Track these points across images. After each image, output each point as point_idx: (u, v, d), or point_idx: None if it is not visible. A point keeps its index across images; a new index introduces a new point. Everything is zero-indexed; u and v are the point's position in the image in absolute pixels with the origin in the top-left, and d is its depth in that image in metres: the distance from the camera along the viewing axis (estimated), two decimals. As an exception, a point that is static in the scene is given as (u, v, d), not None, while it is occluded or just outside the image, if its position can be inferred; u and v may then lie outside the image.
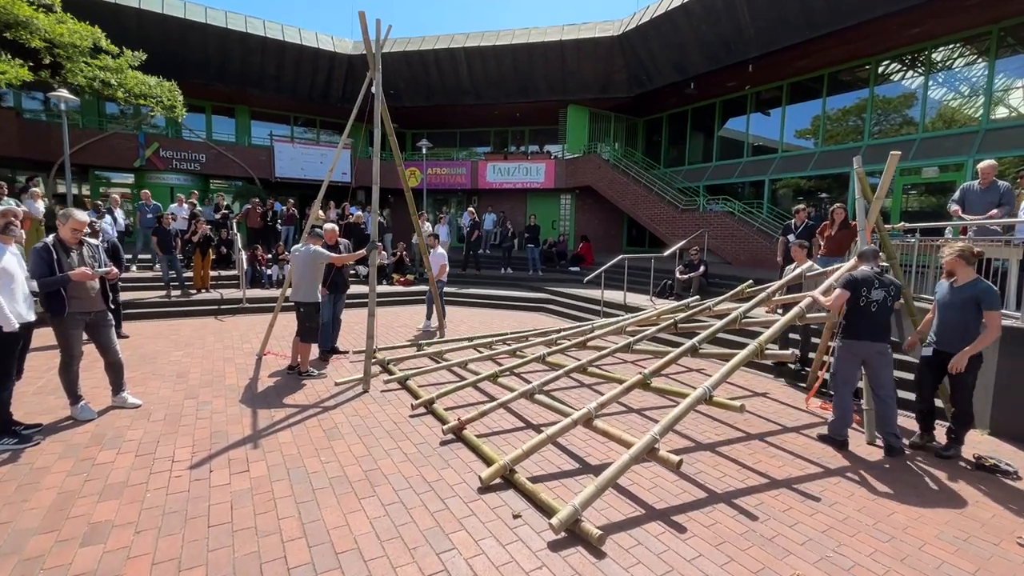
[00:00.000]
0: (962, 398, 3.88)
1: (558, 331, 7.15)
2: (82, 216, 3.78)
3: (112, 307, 4.28)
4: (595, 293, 10.07)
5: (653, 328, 5.57)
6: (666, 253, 10.59)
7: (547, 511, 2.91)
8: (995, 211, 5.31)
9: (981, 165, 5.59)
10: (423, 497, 3.11)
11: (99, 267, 3.97)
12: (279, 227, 13.32)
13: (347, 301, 10.00)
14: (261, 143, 18.73)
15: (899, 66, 12.13)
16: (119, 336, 6.82)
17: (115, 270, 4.05)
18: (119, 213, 10.37)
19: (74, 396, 4.07)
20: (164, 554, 2.49)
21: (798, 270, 5.73)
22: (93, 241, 4.11)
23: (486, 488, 3.22)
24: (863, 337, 3.99)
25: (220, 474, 3.32)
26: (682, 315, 5.84)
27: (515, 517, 2.91)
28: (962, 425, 3.94)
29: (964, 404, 3.89)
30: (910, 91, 11.95)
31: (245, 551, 2.54)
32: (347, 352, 6.63)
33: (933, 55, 11.42)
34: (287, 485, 3.21)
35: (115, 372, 4.32)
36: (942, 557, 2.69)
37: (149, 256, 10.73)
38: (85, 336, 4.11)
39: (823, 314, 4.83)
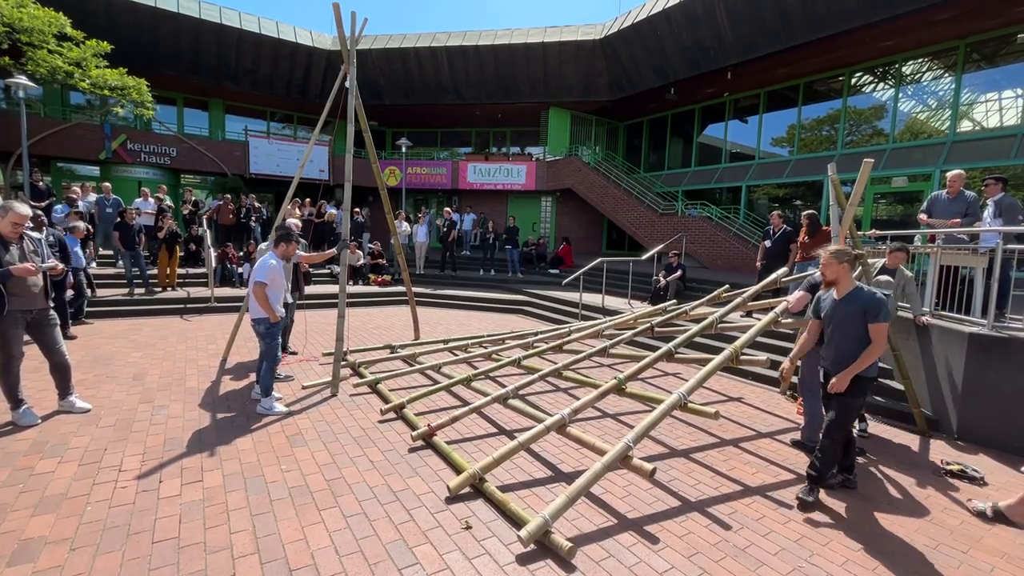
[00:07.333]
0: (838, 423, 3.18)
1: (535, 333, 7.05)
2: (23, 209, 3.53)
3: (53, 304, 4.01)
4: (574, 296, 10.02)
5: (630, 332, 5.52)
6: (645, 256, 10.61)
7: (517, 522, 2.81)
8: (956, 219, 5.42)
9: (950, 175, 5.68)
10: (388, 508, 2.97)
11: (42, 262, 3.72)
12: (253, 224, 12.97)
13: (320, 302, 9.80)
14: (236, 138, 18.20)
15: (871, 78, 12.45)
16: (66, 337, 6.50)
17: (60, 265, 3.80)
18: (82, 205, 9.89)
19: (14, 400, 3.80)
20: (100, 573, 2.30)
21: (772, 276, 5.77)
22: (35, 235, 3.85)
23: (454, 498, 3.10)
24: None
25: (170, 484, 3.12)
26: (659, 319, 5.81)
27: (465, 528, 2.79)
28: (825, 463, 3.18)
29: (835, 431, 3.17)
30: (881, 103, 12.26)
31: (191, 569, 2.36)
32: (296, 352, 6.47)
33: (903, 68, 11.74)
34: (243, 496, 3.02)
35: (61, 374, 4.06)
36: (912, 567, 2.67)
37: (111, 252, 10.27)
38: (27, 336, 3.84)
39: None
